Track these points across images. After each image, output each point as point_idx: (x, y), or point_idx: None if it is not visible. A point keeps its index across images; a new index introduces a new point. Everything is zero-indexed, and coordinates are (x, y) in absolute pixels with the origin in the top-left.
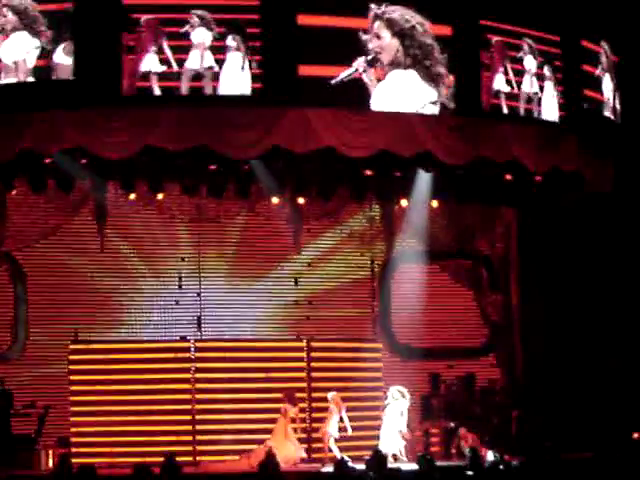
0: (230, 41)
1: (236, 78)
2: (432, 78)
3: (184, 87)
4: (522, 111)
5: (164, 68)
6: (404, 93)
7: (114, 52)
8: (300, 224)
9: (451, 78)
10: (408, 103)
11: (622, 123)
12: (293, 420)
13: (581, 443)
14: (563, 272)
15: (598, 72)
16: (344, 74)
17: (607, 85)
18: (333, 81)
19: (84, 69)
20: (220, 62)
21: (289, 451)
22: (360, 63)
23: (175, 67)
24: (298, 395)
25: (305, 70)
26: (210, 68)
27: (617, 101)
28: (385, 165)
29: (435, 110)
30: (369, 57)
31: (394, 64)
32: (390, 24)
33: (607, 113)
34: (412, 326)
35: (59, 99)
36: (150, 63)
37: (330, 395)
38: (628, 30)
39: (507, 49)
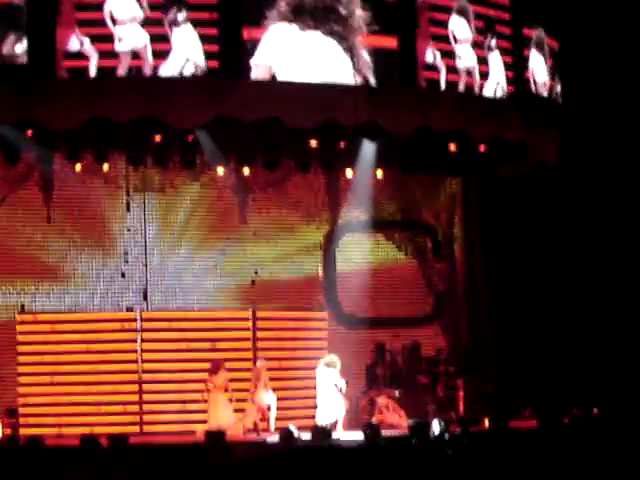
0: (180, 14)
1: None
2: (342, 39)
3: (122, 69)
4: (461, 85)
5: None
6: (314, 58)
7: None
8: (245, 194)
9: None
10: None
11: (564, 102)
12: (226, 389)
13: (526, 411)
14: (507, 241)
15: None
16: None
17: (540, 66)
18: None
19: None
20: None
21: (226, 421)
22: None
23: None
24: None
25: (250, 33)
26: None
27: (556, 83)
28: (330, 135)
29: (351, 79)
30: None
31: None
32: None
33: (543, 93)
34: (357, 295)
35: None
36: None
37: (258, 364)
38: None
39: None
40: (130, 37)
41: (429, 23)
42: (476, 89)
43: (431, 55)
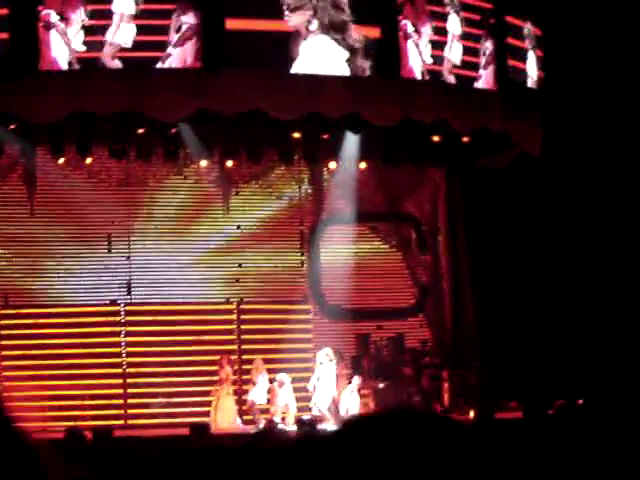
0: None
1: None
2: (339, 30)
3: (109, 60)
4: (448, 76)
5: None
6: (319, 58)
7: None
8: (229, 187)
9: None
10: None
11: (547, 94)
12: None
13: (511, 402)
14: (492, 232)
15: (525, 45)
16: None
17: (531, 59)
18: None
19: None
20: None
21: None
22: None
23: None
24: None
25: (232, 24)
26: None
27: (540, 72)
28: (313, 127)
29: (347, 69)
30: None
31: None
32: None
33: (530, 84)
34: (342, 287)
35: None
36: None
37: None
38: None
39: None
40: (119, 30)
41: (414, 14)
42: (456, 80)
43: (414, 46)
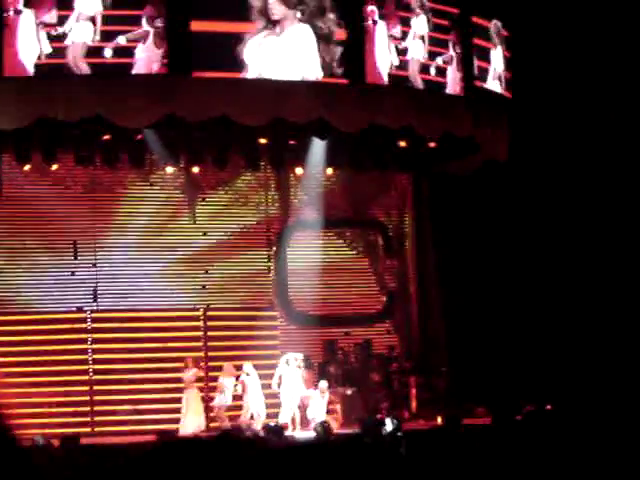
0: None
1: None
2: (323, 35)
3: (78, 61)
4: (415, 80)
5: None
6: (297, 50)
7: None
8: (195, 193)
9: (341, 33)
10: (298, 60)
11: (514, 98)
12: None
13: (479, 408)
14: (459, 238)
15: (490, 45)
16: None
17: (497, 58)
18: None
19: None
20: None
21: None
22: None
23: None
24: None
25: (197, 26)
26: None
27: (505, 74)
28: (279, 133)
29: (320, 73)
30: None
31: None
32: None
33: (494, 83)
34: (309, 293)
35: None
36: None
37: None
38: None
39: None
40: (82, 34)
41: (381, 18)
42: (423, 85)
43: (382, 51)
